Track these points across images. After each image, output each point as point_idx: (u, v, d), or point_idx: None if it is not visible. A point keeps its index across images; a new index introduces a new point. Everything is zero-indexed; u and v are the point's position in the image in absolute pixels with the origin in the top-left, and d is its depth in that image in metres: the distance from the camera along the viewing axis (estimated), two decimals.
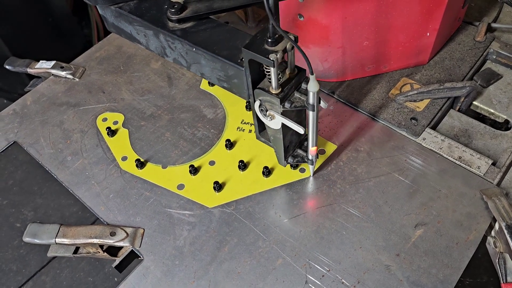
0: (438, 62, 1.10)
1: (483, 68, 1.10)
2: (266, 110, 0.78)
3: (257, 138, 0.93)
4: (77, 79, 1.17)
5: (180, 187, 0.94)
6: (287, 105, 0.75)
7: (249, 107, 1.05)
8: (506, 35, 1.15)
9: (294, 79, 0.76)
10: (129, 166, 0.98)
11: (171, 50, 0.87)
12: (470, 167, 0.92)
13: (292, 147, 0.90)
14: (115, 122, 1.06)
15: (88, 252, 0.89)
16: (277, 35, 0.70)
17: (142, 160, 0.98)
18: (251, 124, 1.03)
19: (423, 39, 1.03)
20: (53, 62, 1.17)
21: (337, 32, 0.97)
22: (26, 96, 1.15)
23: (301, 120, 0.85)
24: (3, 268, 1.87)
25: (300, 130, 0.77)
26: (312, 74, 0.70)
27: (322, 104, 0.77)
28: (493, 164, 0.92)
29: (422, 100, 1.02)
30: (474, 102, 1.05)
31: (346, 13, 0.93)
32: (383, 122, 1.01)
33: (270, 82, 0.74)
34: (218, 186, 0.92)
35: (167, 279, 0.82)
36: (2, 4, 1.80)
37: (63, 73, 1.16)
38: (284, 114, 0.77)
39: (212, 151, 0.99)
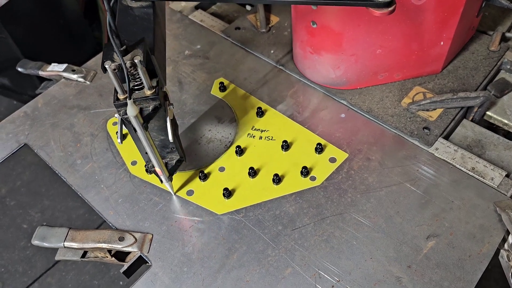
0: (451, 71, 1.09)
1: (497, 78, 1.09)
2: None
3: None
4: (88, 82, 1.17)
5: (190, 193, 0.93)
6: (121, 113, 0.74)
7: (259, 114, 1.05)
8: None
9: (149, 97, 0.74)
10: (139, 171, 0.98)
11: None
12: (484, 178, 0.90)
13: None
14: None
15: (96, 257, 0.88)
16: (123, 48, 0.70)
17: None
18: (262, 131, 1.02)
19: (437, 48, 1.02)
20: (64, 65, 1.18)
21: (350, 40, 0.97)
22: (38, 99, 1.15)
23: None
24: (9, 269, 1.88)
25: (118, 139, 0.76)
26: (129, 99, 0.71)
27: (170, 136, 0.77)
28: (507, 176, 0.91)
29: (435, 109, 1.01)
30: (488, 112, 1.03)
31: (359, 21, 0.93)
32: (395, 131, 1.00)
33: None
34: (228, 193, 0.91)
35: (175, 286, 0.81)
36: (14, 7, 1.82)
37: (74, 76, 1.17)
38: (123, 121, 0.75)
39: (222, 157, 0.98)
